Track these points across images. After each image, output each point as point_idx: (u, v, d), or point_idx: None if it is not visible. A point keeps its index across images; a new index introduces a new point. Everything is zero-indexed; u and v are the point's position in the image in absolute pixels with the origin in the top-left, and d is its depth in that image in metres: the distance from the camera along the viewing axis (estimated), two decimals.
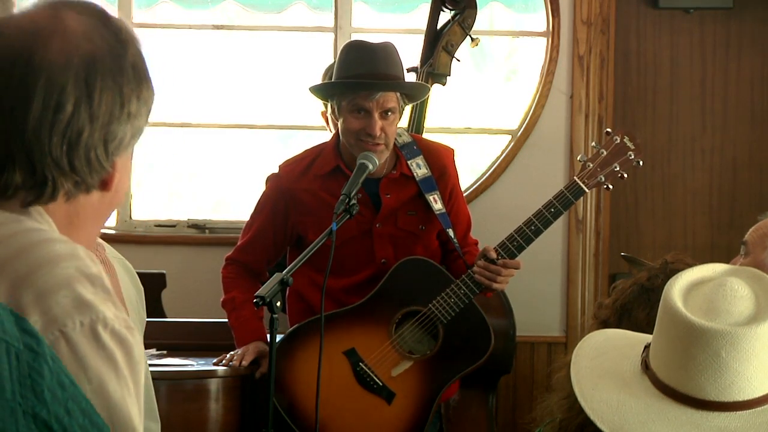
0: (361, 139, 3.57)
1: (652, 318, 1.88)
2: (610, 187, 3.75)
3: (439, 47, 4.33)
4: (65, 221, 1.36)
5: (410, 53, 4.36)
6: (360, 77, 3.56)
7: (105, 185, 1.35)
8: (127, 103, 1.36)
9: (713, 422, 1.64)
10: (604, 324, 2.18)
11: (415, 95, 3.76)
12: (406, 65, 3.75)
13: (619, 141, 3.73)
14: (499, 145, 5.23)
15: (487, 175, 5.14)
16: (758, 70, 5.25)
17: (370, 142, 3.56)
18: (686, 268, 1.78)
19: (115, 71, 1.35)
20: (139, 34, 1.39)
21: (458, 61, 4.37)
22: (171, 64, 5.31)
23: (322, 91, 3.78)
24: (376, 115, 3.55)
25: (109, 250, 2.16)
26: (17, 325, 1.18)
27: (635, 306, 2.22)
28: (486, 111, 5.29)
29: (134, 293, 2.17)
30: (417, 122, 4.37)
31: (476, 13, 4.37)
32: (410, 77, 4.02)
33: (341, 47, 3.78)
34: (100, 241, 1.98)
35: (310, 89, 3.75)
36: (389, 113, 3.57)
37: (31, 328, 1.19)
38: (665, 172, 5.25)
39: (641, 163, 3.75)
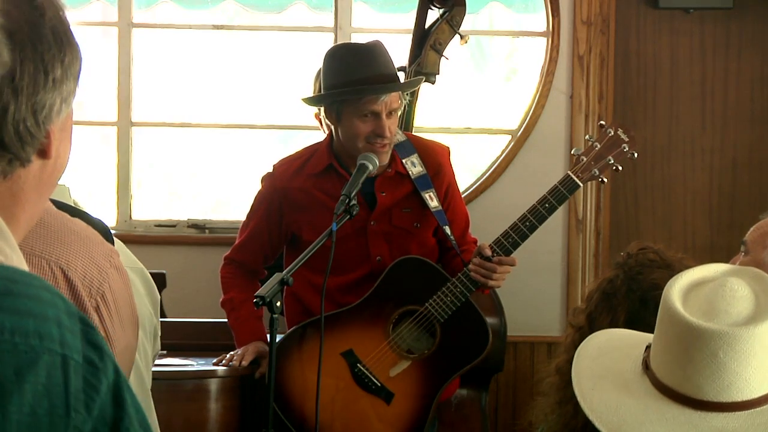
0: (370, 142, 3.57)
1: (615, 324, 1.88)
2: (605, 180, 3.75)
3: (427, 46, 4.31)
4: (8, 200, 1.30)
5: (409, 53, 4.36)
6: (366, 81, 3.56)
7: (44, 154, 1.31)
8: (51, 71, 1.30)
9: (711, 423, 1.64)
10: (580, 331, 2.15)
11: (410, 89, 3.81)
12: (396, 64, 3.77)
13: (612, 134, 3.72)
14: (499, 145, 5.22)
15: (487, 175, 5.13)
16: (758, 70, 5.24)
17: (379, 143, 3.57)
18: (648, 263, 1.76)
19: (35, 40, 1.28)
20: (139, 34, 1.34)
21: (447, 59, 4.36)
22: (171, 64, 5.32)
23: (326, 99, 3.68)
24: (384, 117, 3.56)
25: (129, 258, 2.12)
26: (83, 337, 1.13)
27: (599, 314, 2.18)
28: (486, 111, 5.29)
29: (149, 306, 2.13)
30: (406, 121, 4.37)
31: (465, 11, 4.33)
32: (400, 76, 4.04)
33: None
34: (118, 247, 1.93)
35: (307, 99, 3.76)
36: (393, 113, 3.60)
37: (98, 340, 1.14)
38: (665, 172, 5.24)
39: (636, 155, 3.75)
